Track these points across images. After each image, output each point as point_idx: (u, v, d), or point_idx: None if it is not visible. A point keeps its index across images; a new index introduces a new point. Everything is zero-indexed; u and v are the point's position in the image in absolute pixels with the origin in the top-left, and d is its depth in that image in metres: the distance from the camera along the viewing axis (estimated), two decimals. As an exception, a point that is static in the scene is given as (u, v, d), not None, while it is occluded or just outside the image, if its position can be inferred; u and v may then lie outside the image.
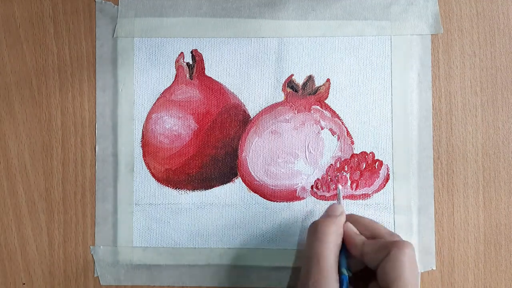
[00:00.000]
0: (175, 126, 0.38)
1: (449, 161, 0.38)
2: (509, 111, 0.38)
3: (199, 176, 0.38)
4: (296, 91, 0.38)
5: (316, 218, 0.37)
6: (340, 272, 0.30)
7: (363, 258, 0.31)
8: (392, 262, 0.29)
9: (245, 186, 0.38)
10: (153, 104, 0.39)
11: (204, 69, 0.39)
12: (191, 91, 0.39)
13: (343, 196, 0.38)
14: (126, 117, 0.38)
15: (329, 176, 0.38)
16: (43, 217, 0.39)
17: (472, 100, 0.38)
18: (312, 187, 0.38)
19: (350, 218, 0.33)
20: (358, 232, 0.32)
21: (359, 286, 0.31)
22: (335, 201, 0.37)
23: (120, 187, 0.38)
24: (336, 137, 0.38)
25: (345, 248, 0.32)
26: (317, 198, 0.38)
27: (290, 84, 0.38)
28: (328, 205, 0.34)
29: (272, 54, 0.38)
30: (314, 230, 0.31)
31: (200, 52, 0.39)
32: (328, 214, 0.33)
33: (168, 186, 0.38)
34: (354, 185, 0.38)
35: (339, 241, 0.31)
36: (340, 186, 0.37)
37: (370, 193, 0.38)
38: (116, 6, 0.39)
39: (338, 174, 0.37)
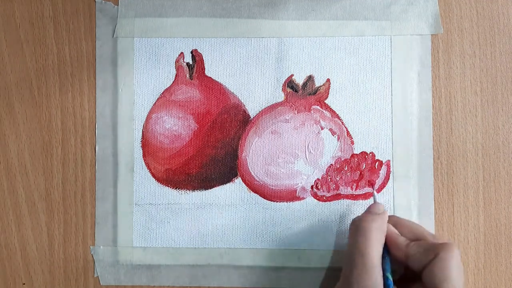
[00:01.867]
0: (175, 126, 0.38)
1: (449, 161, 0.38)
2: (509, 111, 0.38)
3: (199, 176, 0.38)
4: (296, 91, 0.38)
5: (316, 219, 0.38)
6: (385, 277, 0.30)
7: (407, 260, 0.31)
8: (441, 264, 0.29)
9: (245, 186, 0.38)
10: (153, 104, 0.39)
11: (204, 69, 0.39)
12: (191, 91, 0.39)
13: (342, 196, 0.38)
14: (126, 117, 0.38)
15: (329, 176, 0.38)
16: (43, 217, 0.39)
17: (472, 100, 0.38)
18: (312, 187, 0.38)
19: (391, 220, 0.33)
20: (399, 233, 0.32)
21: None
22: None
23: (120, 187, 0.38)
24: (336, 137, 0.38)
25: (387, 250, 0.31)
26: (317, 198, 0.38)
27: (290, 84, 0.38)
28: (368, 205, 0.34)
29: (272, 54, 0.38)
30: (356, 226, 0.31)
31: (200, 52, 0.39)
32: (369, 211, 0.33)
33: (168, 186, 0.38)
34: (354, 185, 0.38)
35: (382, 239, 0.31)
36: (375, 193, 0.36)
37: (370, 193, 0.37)
38: (116, 6, 0.39)
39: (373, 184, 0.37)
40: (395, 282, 0.31)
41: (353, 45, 0.38)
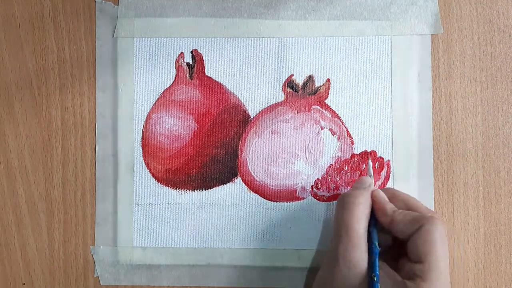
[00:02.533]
0: (175, 126, 0.38)
1: (449, 161, 0.38)
2: (509, 111, 0.38)
3: (199, 176, 0.38)
4: (296, 91, 0.38)
5: (316, 219, 0.38)
6: (371, 244, 0.30)
7: (392, 227, 0.31)
8: (425, 236, 0.29)
9: (245, 186, 0.38)
10: (153, 104, 0.39)
11: (204, 69, 0.39)
12: (191, 91, 0.39)
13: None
14: (126, 117, 0.38)
15: (329, 176, 0.38)
16: (43, 217, 0.39)
17: (472, 100, 0.38)
18: (312, 187, 0.38)
19: (387, 191, 0.33)
20: (388, 201, 0.32)
21: (388, 261, 0.31)
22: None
23: (120, 187, 0.38)
24: (336, 137, 0.38)
25: (375, 220, 0.32)
26: (317, 198, 0.38)
27: (290, 84, 0.38)
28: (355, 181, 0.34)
29: (272, 54, 0.38)
30: (342, 201, 0.31)
31: (200, 52, 0.39)
32: (356, 186, 0.33)
33: (168, 186, 0.38)
34: (354, 185, 0.38)
35: (367, 211, 0.31)
36: (370, 162, 0.37)
37: (370, 193, 0.38)
38: (116, 6, 0.39)
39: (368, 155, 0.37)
40: (382, 253, 0.31)
41: (353, 45, 0.38)
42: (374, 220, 0.32)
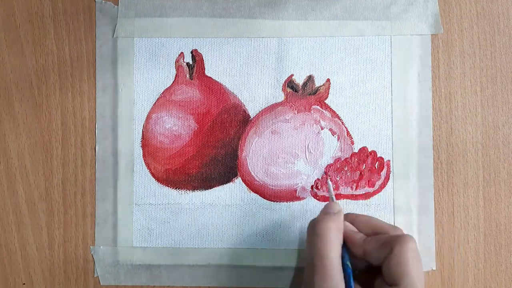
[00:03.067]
0: (175, 126, 0.38)
1: (449, 161, 0.38)
2: (509, 111, 0.38)
3: (199, 176, 0.38)
4: (296, 91, 0.38)
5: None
6: (344, 267, 0.30)
7: (365, 256, 0.30)
8: (397, 259, 0.29)
9: (245, 186, 0.38)
10: (153, 104, 0.39)
11: (204, 69, 0.39)
12: (191, 91, 0.39)
13: (342, 196, 0.38)
14: (126, 117, 0.38)
15: (328, 176, 0.38)
16: (43, 217, 0.39)
17: (472, 100, 0.38)
18: (312, 187, 0.38)
19: (347, 217, 0.33)
20: (356, 230, 0.32)
21: (365, 283, 0.31)
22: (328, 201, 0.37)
23: (120, 187, 0.38)
24: (336, 137, 0.38)
25: (346, 248, 0.31)
26: (317, 198, 0.38)
27: (290, 84, 0.38)
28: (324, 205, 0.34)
29: (272, 54, 0.38)
30: (313, 227, 0.31)
31: (200, 52, 0.39)
32: (325, 212, 0.32)
33: (168, 186, 0.38)
34: (354, 185, 0.38)
35: (340, 237, 0.31)
36: (330, 182, 0.36)
37: (370, 193, 0.38)
38: (116, 6, 0.39)
39: (327, 172, 0.37)
40: (358, 276, 0.31)
41: (353, 45, 0.38)
42: (345, 247, 0.31)
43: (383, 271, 0.29)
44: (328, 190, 0.36)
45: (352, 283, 0.29)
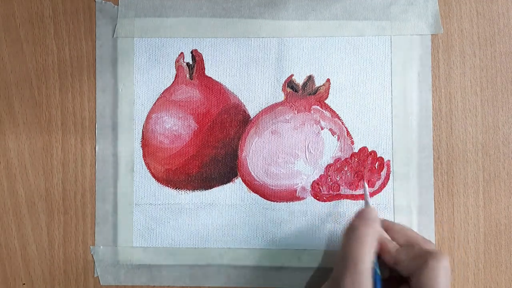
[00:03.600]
0: (175, 126, 0.38)
1: (449, 161, 0.38)
2: (509, 111, 0.38)
3: (199, 176, 0.38)
4: (296, 91, 0.38)
5: (316, 219, 0.38)
6: (373, 272, 0.30)
7: (397, 266, 0.31)
8: (429, 273, 0.29)
9: (245, 186, 0.38)
10: (153, 104, 0.39)
11: (204, 69, 0.39)
12: (191, 91, 0.39)
13: (342, 196, 0.38)
14: (126, 117, 0.38)
15: (329, 176, 0.38)
16: (43, 217, 0.39)
17: (472, 100, 0.38)
18: (312, 187, 0.38)
19: (382, 224, 0.33)
20: (390, 239, 0.32)
21: None
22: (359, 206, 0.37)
23: (120, 187, 0.38)
24: (336, 137, 0.38)
25: (377, 255, 0.32)
26: (317, 198, 0.38)
27: (290, 84, 0.38)
28: (358, 209, 0.34)
29: (272, 54, 0.38)
30: (353, 231, 0.31)
31: (200, 52, 0.39)
32: (363, 217, 0.32)
33: (168, 186, 0.38)
34: (354, 185, 0.38)
35: (375, 243, 0.31)
36: (366, 185, 0.36)
37: (370, 193, 0.38)
38: (116, 6, 0.39)
39: (361, 173, 0.37)
40: (383, 282, 0.31)
41: (353, 45, 0.38)
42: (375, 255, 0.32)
43: (412, 284, 0.30)
44: (364, 195, 0.36)
45: None
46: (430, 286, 0.28)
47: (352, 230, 0.31)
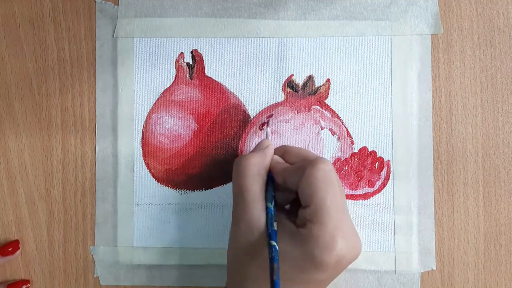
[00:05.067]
0: (175, 126, 0.38)
1: (449, 161, 0.38)
2: (509, 111, 0.38)
3: (199, 176, 0.38)
4: (296, 91, 0.38)
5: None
6: (266, 206, 0.30)
7: (286, 184, 0.31)
8: (306, 180, 0.29)
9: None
10: (153, 104, 0.39)
11: (204, 69, 0.39)
12: (191, 91, 0.39)
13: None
14: (126, 117, 0.38)
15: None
16: (43, 217, 0.39)
17: (472, 100, 0.38)
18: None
19: (280, 149, 0.33)
20: (282, 161, 0.32)
21: (292, 215, 0.31)
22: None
23: (120, 187, 0.38)
24: (336, 137, 0.38)
25: (272, 181, 0.32)
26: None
27: (290, 84, 0.38)
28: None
29: (272, 54, 0.38)
30: (237, 164, 0.32)
31: (200, 52, 0.39)
32: (255, 149, 0.33)
33: (168, 186, 0.38)
34: (354, 185, 0.38)
35: (262, 172, 0.31)
36: (268, 130, 0.37)
37: (370, 193, 0.38)
38: (116, 6, 0.39)
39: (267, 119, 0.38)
40: (284, 209, 0.31)
41: (353, 45, 0.38)
42: (271, 180, 0.32)
43: (299, 196, 0.30)
44: (265, 130, 0.37)
45: (272, 220, 0.29)
46: (309, 191, 0.29)
47: (237, 162, 0.32)
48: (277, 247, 0.28)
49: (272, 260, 0.28)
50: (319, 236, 0.28)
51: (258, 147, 0.33)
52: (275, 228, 0.29)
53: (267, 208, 0.30)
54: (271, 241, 0.28)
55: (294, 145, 0.38)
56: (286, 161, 0.33)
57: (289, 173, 0.31)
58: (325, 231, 0.28)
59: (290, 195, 0.32)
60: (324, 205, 0.28)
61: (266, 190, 0.31)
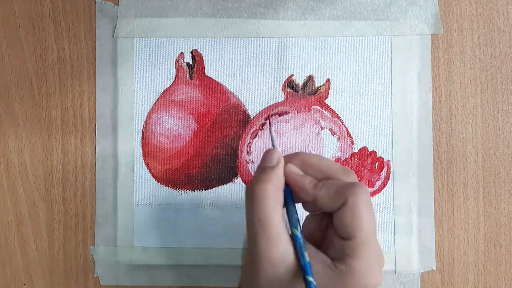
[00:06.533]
0: (175, 126, 0.38)
1: (449, 161, 0.38)
2: (509, 111, 0.38)
3: (199, 176, 0.38)
4: (296, 91, 0.38)
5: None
6: (292, 232, 0.27)
7: (316, 203, 0.27)
8: (351, 211, 0.26)
9: (245, 186, 0.38)
10: (153, 104, 0.39)
11: (204, 69, 0.39)
12: (191, 91, 0.39)
13: None
14: (126, 117, 0.38)
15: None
16: (43, 217, 0.39)
17: (472, 100, 0.38)
18: (312, 187, 0.38)
19: (296, 159, 0.29)
20: (303, 174, 0.28)
21: (318, 228, 0.29)
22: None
23: (120, 187, 0.38)
24: (336, 137, 0.38)
25: (291, 198, 0.28)
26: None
27: (290, 84, 0.38)
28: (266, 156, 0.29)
29: (272, 54, 0.38)
30: (250, 193, 0.27)
31: (200, 52, 0.39)
32: (263, 166, 0.28)
33: (168, 186, 0.38)
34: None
35: (280, 197, 0.27)
36: (270, 126, 0.31)
37: (370, 193, 0.37)
38: (116, 6, 0.39)
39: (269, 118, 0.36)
40: (310, 221, 0.28)
41: (353, 45, 0.38)
42: (290, 197, 0.28)
43: (335, 223, 0.27)
44: (270, 133, 0.30)
45: (301, 244, 0.26)
46: (354, 225, 0.26)
47: (250, 194, 0.27)
48: (314, 283, 0.25)
49: None
50: (361, 272, 0.25)
51: (266, 163, 0.28)
52: (308, 260, 0.26)
53: (293, 236, 0.26)
54: (307, 277, 0.25)
55: (294, 145, 0.38)
56: (305, 173, 0.29)
57: (324, 194, 0.27)
58: (367, 266, 0.26)
59: (310, 207, 0.28)
60: (369, 240, 0.26)
61: (288, 210, 0.27)
